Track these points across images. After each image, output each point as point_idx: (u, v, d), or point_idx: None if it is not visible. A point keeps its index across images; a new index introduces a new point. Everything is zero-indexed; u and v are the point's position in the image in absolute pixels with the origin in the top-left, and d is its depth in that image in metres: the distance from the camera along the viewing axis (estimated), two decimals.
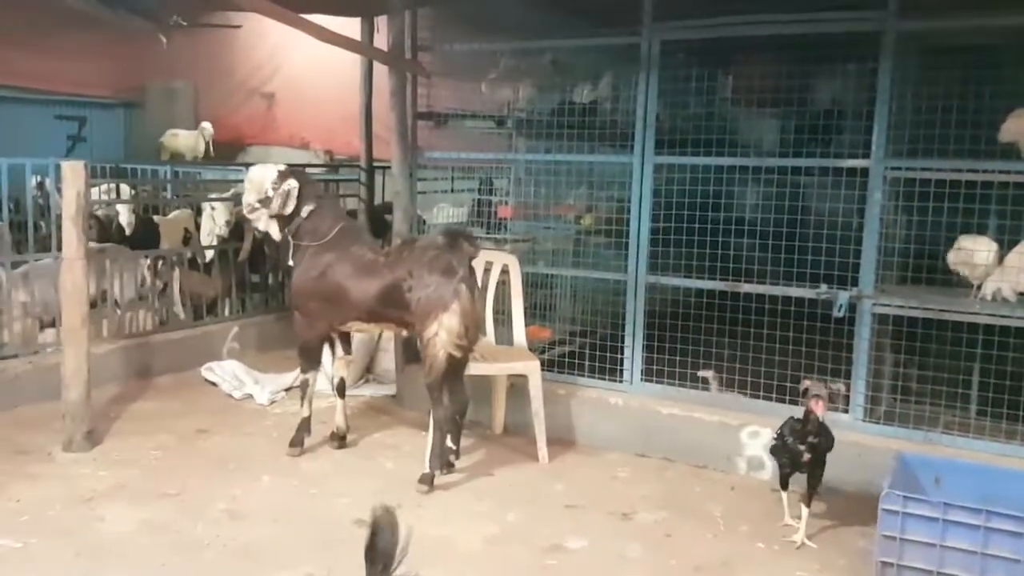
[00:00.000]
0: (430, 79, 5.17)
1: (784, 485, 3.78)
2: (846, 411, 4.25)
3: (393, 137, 5.17)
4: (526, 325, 4.95)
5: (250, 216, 4.41)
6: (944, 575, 3.13)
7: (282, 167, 4.40)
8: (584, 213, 5.68)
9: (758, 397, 4.44)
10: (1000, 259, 3.93)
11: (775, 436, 3.80)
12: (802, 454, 3.65)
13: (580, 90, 5.34)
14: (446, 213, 6.40)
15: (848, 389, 4.14)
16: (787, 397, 4.37)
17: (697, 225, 4.66)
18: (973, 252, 3.93)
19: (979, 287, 3.99)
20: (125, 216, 6.74)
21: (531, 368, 4.51)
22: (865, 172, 4.07)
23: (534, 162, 5.21)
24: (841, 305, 4.09)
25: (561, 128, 4.95)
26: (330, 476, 4.27)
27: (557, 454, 4.61)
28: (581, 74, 5.38)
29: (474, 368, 4.42)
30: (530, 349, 4.96)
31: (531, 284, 5.06)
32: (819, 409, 3.60)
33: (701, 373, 4.71)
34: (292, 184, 4.31)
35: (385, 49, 5.25)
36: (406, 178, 5.21)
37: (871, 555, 3.31)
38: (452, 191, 6.83)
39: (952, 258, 4.05)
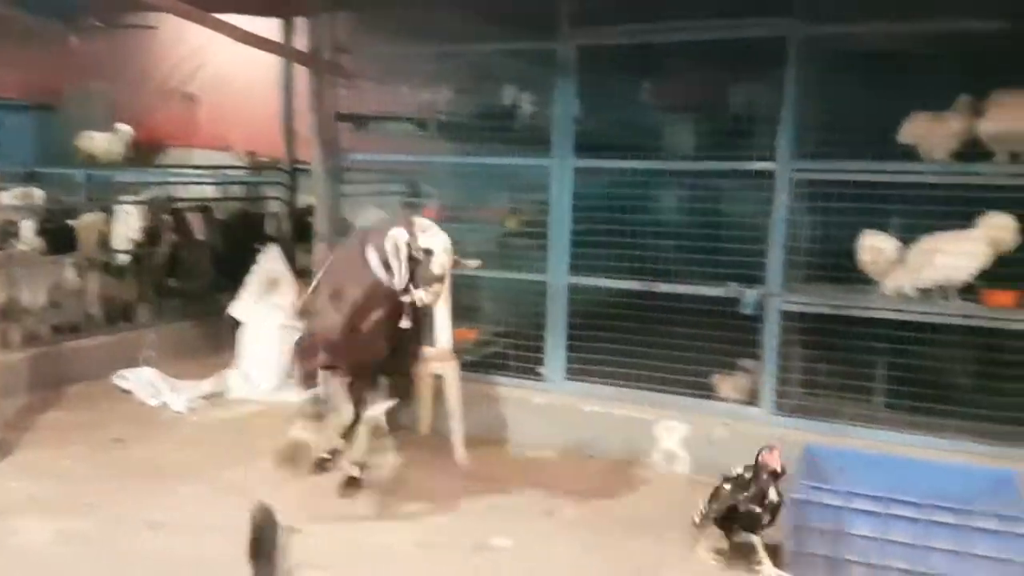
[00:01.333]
0: (350, 81, 5.15)
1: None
2: (756, 405, 4.39)
3: (313, 139, 5.14)
4: (452, 327, 4.98)
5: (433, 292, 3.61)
6: (848, 561, 3.26)
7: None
8: (508, 215, 5.72)
9: (676, 393, 4.54)
10: (902, 256, 4.11)
11: (706, 509, 3.48)
12: (760, 517, 3.34)
13: (502, 94, 5.39)
14: (374, 216, 6.36)
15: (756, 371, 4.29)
16: (701, 392, 4.52)
17: (619, 227, 4.73)
18: (876, 250, 4.10)
19: (882, 284, 4.17)
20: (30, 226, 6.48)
21: (447, 369, 4.53)
22: (773, 174, 4.21)
23: (457, 165, 5.23)
24: (749, 303, 4.22)
25: (483, 131, 4.98)
26: (253, 485, 4.20)
27: (483, 454, 4.63)
28: (503, 78, 5.42)
29: None
30: (456, 351, 5.02)
31: (456, 286, 5.07)
32: (774, 460, 3.32)
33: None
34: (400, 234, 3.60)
35: (304, 51, 5.20)
36: (327, 180, 5.18)
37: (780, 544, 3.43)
38: (381, 194, 6.80)
39: (858, 256, 4.21)
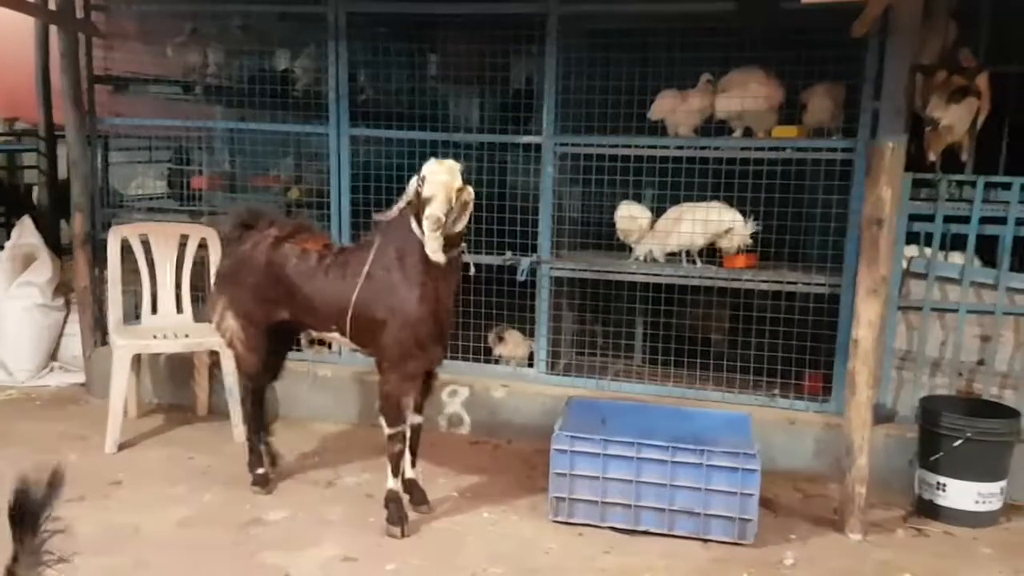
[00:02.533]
0: (105, 40, 4.80)
1: None
2: (531, 365, 4.62)
3: (66, 103, 4.75)
4: None
5: (433, 233, 3.10)
6: (607, 503, 3.52)
7: (460, 167, 3.20)
8: (291, 185, 5.59)
9: (457, 358, 4.67)
10: (652, 224, 4.45)
11: None
12: None
13: (276, 58, 5.23)
14: (145, 186, 5.98)
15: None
16: (483, 357, 4.67)
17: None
18: (631, 218, 4.41)
19: (635, 249, 4.50)
20: None
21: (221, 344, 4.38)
22: (540, 148, 4.41)
23: (232, 131, 5.03)
24: (523, 270, 4.42)
25: (257, 96, 4.83)
26: (4, 474, 3.87)
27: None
28: (276, 42, 5.26)
29: (158, 346, 4.25)
30: None
31: None
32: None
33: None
34: (470, 192, 3.20)
35: (53, 8, 4.77)
36: (83, 146, 4.82)
37: None
38: (152, 162, 6.39)
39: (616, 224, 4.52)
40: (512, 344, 4.77)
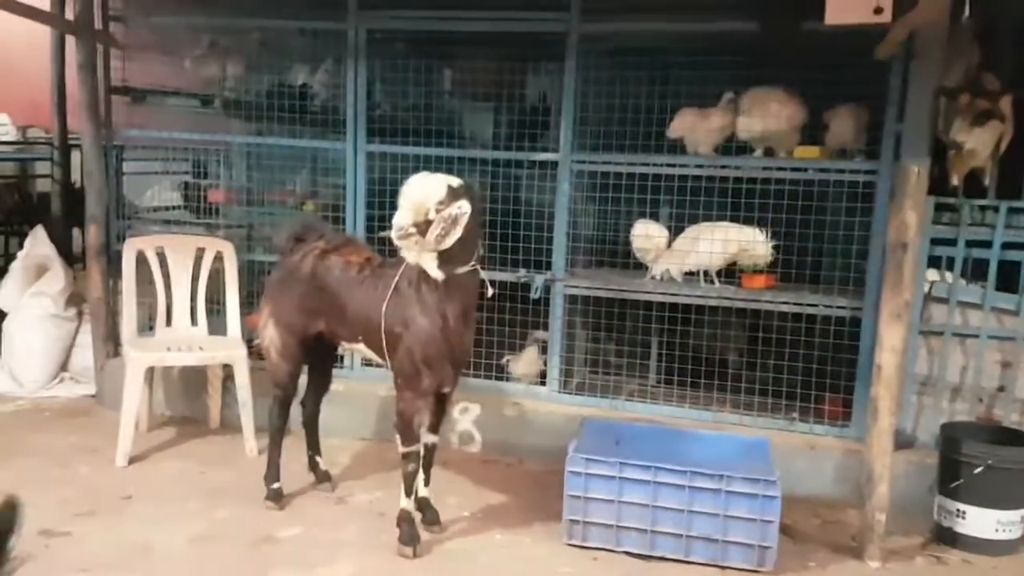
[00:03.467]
0: (124, 52, 4.81)
1: None
2: (543, 383, 4.59)
3: (83, 114, 4.75)
4: (246, 314, 4.81)
5: (399, 242, 3.20)
6: (623, 527, 3.47)
7: (455, 182, 3.21)
8: (307, 199, 5.59)
9: (469, 376, 4.64)
10: (669, 243, 4.42)
11: None
12: None
13: (295, 72, 5.23)
14: (160, 197, 5.99)
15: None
16: (494, 374, 4.64)
17: None
18: (647, 237, 4.39)
19: (651, 268, 4.47)
20: None
21: (236, 358, 4.37)
22: (556, 165, 4.39)
23: (248, 145, 5.03)
24: (537, 287, 4.40)
25: (275, 111, 4.83)
26: (15, 487, 3.85)
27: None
28: (295, 57, 5.26)
29: (171, 359, 4.25)
30: (251, 339, 4.85)
31: (251, 272, 4.90)
32: None
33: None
34: (463, 207, 3.16)
35: (71, 19, 4.78)
36: (99, 157, 4.82)
37: None
38: (169, 173, 6.40)
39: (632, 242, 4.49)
40: (525, 362, 4.73)
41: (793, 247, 4.23)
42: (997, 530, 3.61)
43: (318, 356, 3.92)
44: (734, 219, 4.31)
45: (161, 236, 4.72)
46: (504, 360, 4.71)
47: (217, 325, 4.66)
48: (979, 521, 3.62)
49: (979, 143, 3.86)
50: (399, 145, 4.72)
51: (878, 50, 3.51)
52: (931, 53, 3.37)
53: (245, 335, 4.66)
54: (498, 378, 4.66)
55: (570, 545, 3.53)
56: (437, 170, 4.86)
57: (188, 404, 4.88)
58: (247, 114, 4.98)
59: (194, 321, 4.63)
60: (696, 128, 4.27)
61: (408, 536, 3.44)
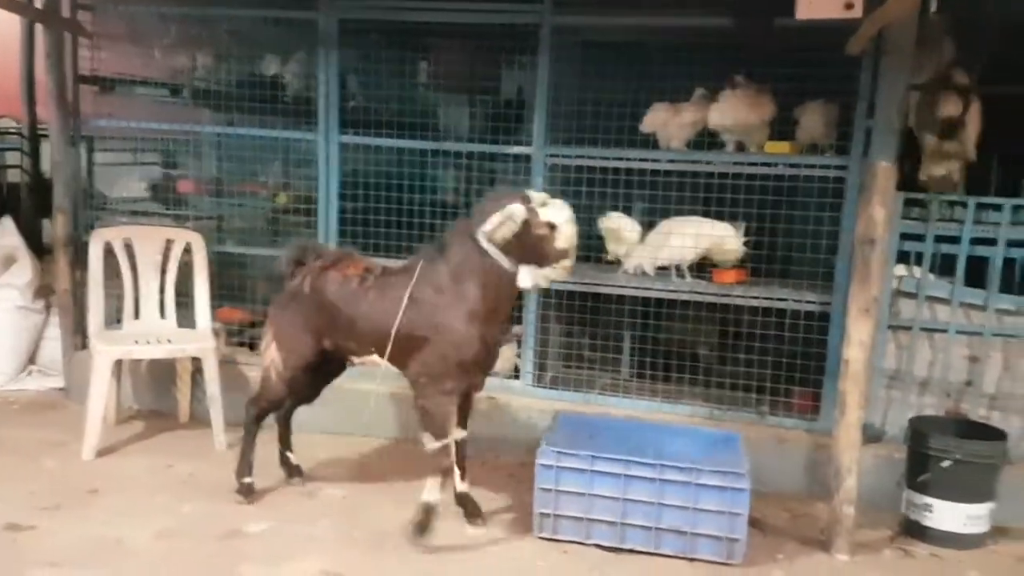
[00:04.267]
0: (93, 41, 4.73)
1: None
2: (517, 377, 4.58)
3: (51, 103, 4.68)
4: (218, 307, 4.77)
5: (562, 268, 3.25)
6: (593, 520, 3.48)
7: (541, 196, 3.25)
8: (279, 191, 5.54)
9: None
10: (642, 238, 4.42)
11: None
12: None
13: (266, 63, 5.17)
14: (129, 189, 5.90)
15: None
16: None
17: (394, 206, 4.72)
18: (619, 231, 4.38)
19: (624, 262, 4.46)
20: None
21: (205, 351, 4.33)
22: (530, 158, 4.37)
23: (218, 135, 4.97)
24: None
25: (246, 101, 4.78)
26: None
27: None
28: (267, 47, 5.20)
29: (139, 352, 4.20)
30: (228, 332, 4.82)
31: (222, 264, 4.85)
32: None
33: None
34: (520, 211, 3.16)
35: (39, 7, 4.69)
36: (67, 147, 4.74)
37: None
38: (139, 164, 6.31)
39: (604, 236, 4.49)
40: (499, 356, 4.70)
41: (764, 242, 4.25)
42: (965, 524, 3.65)
43: (319, 375, 3.87)
44: (707, 214, 4.31)
45: (128, 227, 4.66)
46: None
47: (187, 318, 4.61)
48: (947, 515, 3.65)
49: (949, 168, 3.94)
50: (373, 137, 4.68)
51: (849, 45, 3.52)
52: (901, 49, 3.38)
53: (216, 328, 4.62)
54: None
55: (541, 538, 3.53)
56: (411, 162, 4.92)
57: (157, 398, 4.83)
58: (218, 104, 4.92)
59: (163, 314, 4.58)
60: (668, 123, 4.27)
61: (423, 526, 3.42)
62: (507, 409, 4.46)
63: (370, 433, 4.57)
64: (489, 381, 4.55)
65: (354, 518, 3.65)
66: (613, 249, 4.47)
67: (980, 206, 3.92)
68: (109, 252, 4.49)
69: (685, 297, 4.33)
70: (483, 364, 3.46)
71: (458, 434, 3.59)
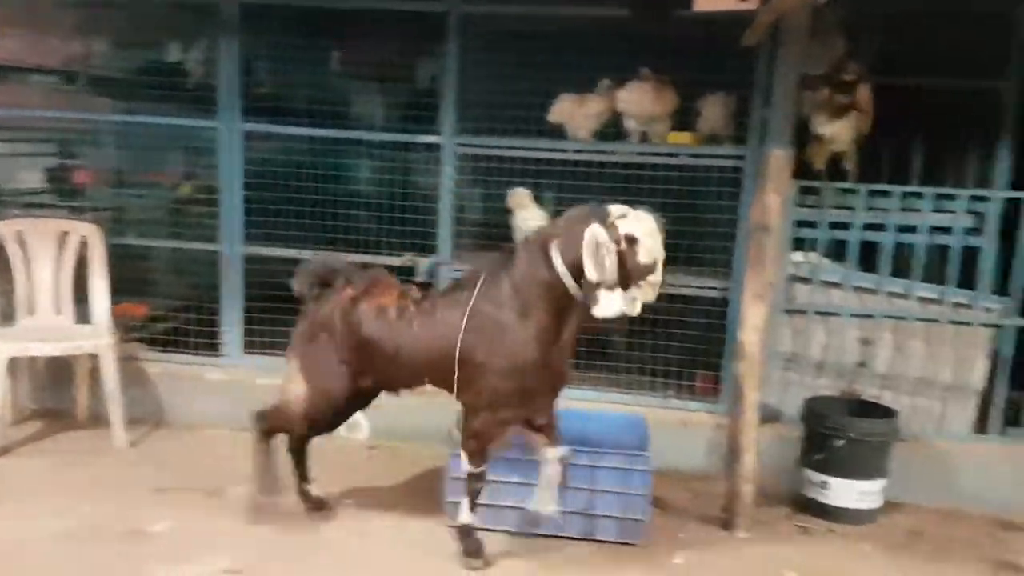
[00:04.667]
0: None
1: None
2: None
3: None
4: (118, 302, 4.61)
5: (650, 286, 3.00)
6: (502, 507, 3.49)
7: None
8: (182, 181, 5.39)
9: None
10: None
11: None
12: None
13: (168, 50, 5.03)
14: (24, 180, 5.66)
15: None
16: None
17: (301, 196, 4.64)
18: (527, 221, 4.40)
19: None
20: None
21: (103, 348, 4.19)
22: (440, 147, 4.37)
23: (113, 123, 4.80)
24: (423, 271, 4.37)
25: (144, 88, 4.63)
26: None
27: (150, 436, 4.41)
28: (168, 33, 5.05)
29: (35, 349, 4.07)
30: (129, 327, 4.66)
31: (121, 257, 4.70)
32: None
33: None
34: (597, 234, 2.91)
35: None
36: None
37: None
38: (35, 155, 6.05)
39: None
40: None
41: (670, 231, 4.31)
42: (859, 500, 3.81)
43: (347, 409, 3.56)
44: (614, 204, 4.35)
45: (20, 220, 4.46)
46: None
47: (85, 313, 4.45)
48: (841, 491, 3.81)
49: (838, 134, 4.05)
50: (280, 125, 4.59)
51: (745, 36, 3.61)
52: (795, 40, 3.49)
53: (114, 324, 4.47)
54: None
55: (453, 527, 3.53)
56: (323, 152, 4.83)
57: (54, 396, 4.65)
58: (117, 92, 4.76)
59: (59, 310, 4.41)
60: (575, 114, 4.31)
61: (472, 548, 3.28)
62: (420, 399, 4.37)
63: None
64: None
65: (258, 516, 3.59)
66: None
67: (872, 193, 4.08)
68: (0, 246, 4.31)
69: None
70: (549, 388, 3.22)
71: (550, 453, 3.28)
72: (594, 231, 2.87)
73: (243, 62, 4.50)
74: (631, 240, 2.92)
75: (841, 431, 3.78)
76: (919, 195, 4.05)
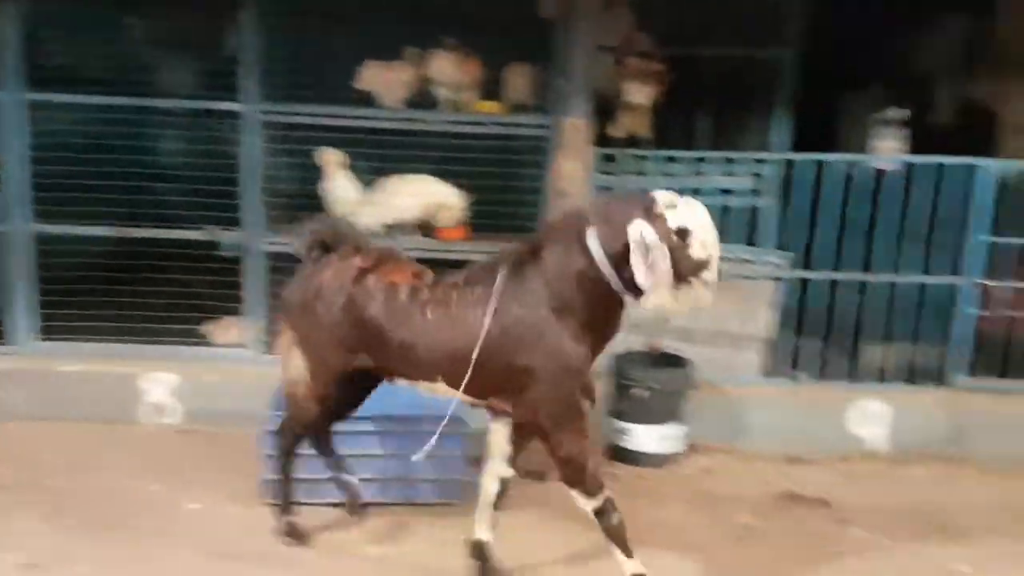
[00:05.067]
0: None
1: None
2: (245, 346, 4.47)
3: None
4: None
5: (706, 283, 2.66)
6: (322, 480, 3.47)
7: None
8: None
9: (165, 343, 4.41)
10: (368, 197, 4.42)
11: None
12: None
13: None
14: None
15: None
16: (190, 339, 4.45)
17: (96, 169, 4.34)
18: (340, 191, 4.37)
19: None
20: None
21: None
22: (240, 115, 4.24)
23: None
24: (228, 245, 4.24)
25: None
26: None
27: None
28: None
29: None
30: None
31: None
32: None
33: None
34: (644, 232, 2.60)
35: None
36: None
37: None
38: None
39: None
40: (226, 327, 4.55)
41: (485, 199, 4.42)
42: (660, 444, 4.10)
43: (358, 388, 3.25)
44: (433, 173, 4.39)
45: None
46: (204, 327, 4.51)
47: None
48: (643, 437, 4.09)
49: (648, 99, 4.29)
50: (70, 94, 4.29)
51: (541, 7, 3.72)
52: (590, 13, 3.64)
53: None
54: (196, 344, 4.46)
55: (270, 504, 3.49)
56: (123, 121, 4.52)
57: None
58: None
59: None
60: (383, 81, 4.30)
61: None
62: (236, 380, 4.31)
63: (85, 417, 4.26)
64: (214, 353, 4.45)
65: (63, 507, 3.43)
66: (336, 209, 4.40)
67: (665, 159, 4.34)
68: None
69: (415, 256, 4.39)
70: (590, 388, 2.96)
71: (504, 472, 3.06)
72: (642, 230, 2.58)
73: (27, 29, 4.17)
74: (683, 233, 2.61)
75: (640, 382, 4.04)
76: (706, 160, 4.36)
